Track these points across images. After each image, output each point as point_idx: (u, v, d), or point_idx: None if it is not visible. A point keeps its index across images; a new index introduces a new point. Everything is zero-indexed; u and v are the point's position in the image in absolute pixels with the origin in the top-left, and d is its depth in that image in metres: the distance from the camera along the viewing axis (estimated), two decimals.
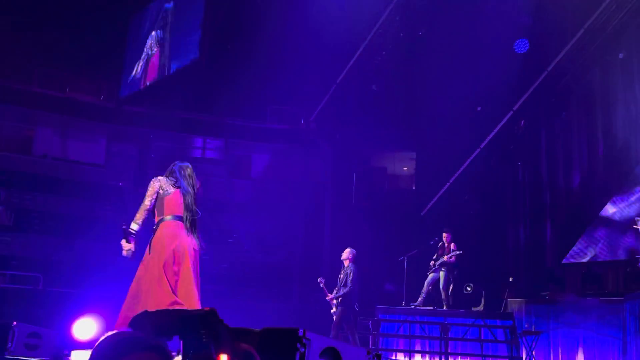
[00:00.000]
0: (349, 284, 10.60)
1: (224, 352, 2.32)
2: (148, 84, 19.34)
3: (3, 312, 12.60)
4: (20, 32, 18.96)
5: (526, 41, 14.25)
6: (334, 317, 10.82)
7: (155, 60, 19.32)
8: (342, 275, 10.86)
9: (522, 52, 14.39)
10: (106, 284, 14.24)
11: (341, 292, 10.65)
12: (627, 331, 9.72)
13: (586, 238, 13.74)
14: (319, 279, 11.26)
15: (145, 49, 19.94)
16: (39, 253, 16.54)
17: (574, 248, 13.76)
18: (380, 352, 12.02)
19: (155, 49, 19.40)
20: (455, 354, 12.12)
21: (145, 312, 2.54)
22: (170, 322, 2.46)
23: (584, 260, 13.51)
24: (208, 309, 2.66)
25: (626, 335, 9.74)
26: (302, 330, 3.98)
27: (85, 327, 11.70)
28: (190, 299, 6.01)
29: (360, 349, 4.35)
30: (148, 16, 20.34)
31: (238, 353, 2.59)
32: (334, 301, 10.84)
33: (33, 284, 15.19)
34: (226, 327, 2.57)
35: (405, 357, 12.48)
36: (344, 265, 10.96)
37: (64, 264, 16.01)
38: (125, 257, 6.42)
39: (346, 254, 10.99)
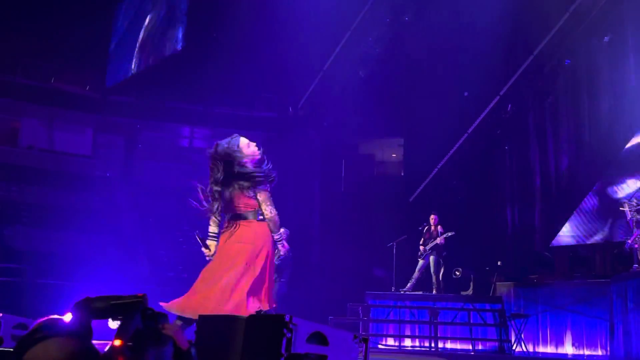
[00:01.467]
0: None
1: (119, 338, 2.35)
2: (134, 73, 19.23)
3: None
4: (4, 23, 18.76)
5: None
6: None
7: (141, 49, 19.20)
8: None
9: None
10: (95, 275, 14.21)
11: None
12: (614, 312, 9.80)
13: (575, 221, 13.81)
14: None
15: (130, 38, 19.81)
16: (26, 245, 16.43)
17: (564, 230, 13.82)
18: (370, 338, 12.10)
19: (141, 38, 19.28)
20: (445, 338, 12.20)
21: (86, 297, 2.59)
22: (103, 306, 2.51)
23: (572, 243, 13.59)
24: (140, 294, 2.68)
25: (613, 316, 9.81)
26: (289, 316, 3.98)
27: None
28: None
29: (347, 333, 4.36)
30: (133, 5, 20.20)
31: (158, 340, 2.61)
32: None
33: (20, 276, 15.10)
34: (149, 314, 2.60)
35: (395, 341, 12.55)
36: None
37: (51, 255, 15.92)
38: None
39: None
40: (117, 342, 2.40)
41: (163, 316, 3.23)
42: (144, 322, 2.52)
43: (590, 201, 13.68)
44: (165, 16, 18.34)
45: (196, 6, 17.21)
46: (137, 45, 19.53)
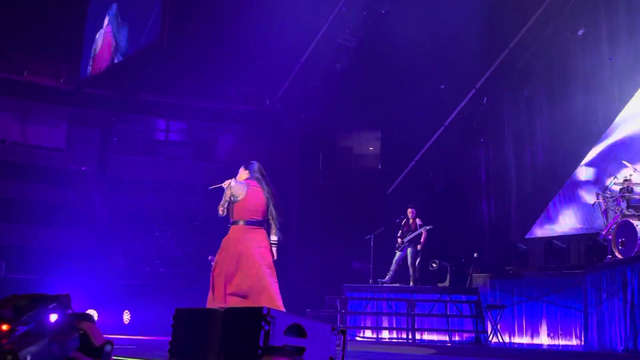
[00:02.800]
0: None
1: (7, 324, 2.62)
2: (109, 65, 19.03)
3: None
4: None
5: None
6: None
7: (115, 42, 19.00)
8: None
9: None
10: (70, 270, 14.08)
11: None
12: (588, 303, 9.93)
13: (549, 212, 13.95)
14: (209, 258, 10.60)
15: (104, 30, 19.59)
16: (0, 240, 16.23)
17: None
18: (347, 330, 12.13)
19: (115, 30, 19.07)
20: (422, 330, 12.29)
21: (13, 294, 2.85)
22: (27, 303, 2.74)
23: (547, 235, 13.72)
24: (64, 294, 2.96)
25: (587, 307, 9.95)
26: (267, 309, 3.97)
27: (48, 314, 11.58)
28: None
29: (325, 325, 4.36)
30: None
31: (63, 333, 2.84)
32: None
33: None
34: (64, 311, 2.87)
35: (373, 333, 12.60)
36: None
37: (26, 250, 15.76)
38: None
39: None
40: (5, 327, 2.57)
41: (84, 315, 3.43)
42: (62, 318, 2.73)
43: (565, 192, 13.80)
44: (140, 6, 18.16)
45: None
46: (111, 37, 19.32)
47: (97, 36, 19.96)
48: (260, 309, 3.94)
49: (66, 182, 18.97)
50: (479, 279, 12.80)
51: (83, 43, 20.50)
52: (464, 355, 9.57)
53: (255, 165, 6.64)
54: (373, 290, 12.86)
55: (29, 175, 18.26)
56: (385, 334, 12.58)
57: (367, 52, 16.28)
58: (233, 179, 6.44)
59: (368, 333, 12.70)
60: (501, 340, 11.63)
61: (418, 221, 12.77)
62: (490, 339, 11.79)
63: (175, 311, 4.56)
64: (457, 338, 12.19)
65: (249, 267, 6.20)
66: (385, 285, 12.86)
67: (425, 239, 12.65)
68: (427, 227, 12.61)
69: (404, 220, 12.95)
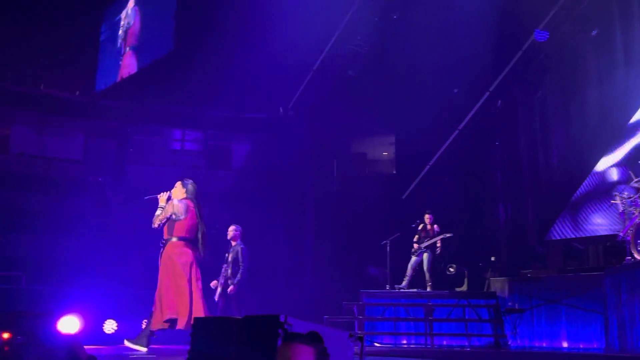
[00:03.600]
0: (242, 262, 10.14)
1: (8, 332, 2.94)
2: (124, 77, 19.18)
3: None
4: None
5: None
6: (219, 300, 10.20)
7: (129, 53, 19.15)
8: (230, 255, 10.34)
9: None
10: (88, 281, 14.17)
11: (240, 272, 10.07)
12: (608, 305, 9.84)
13: (566, 214, 13.86)
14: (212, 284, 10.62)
15: (119, 42, 19.76)
16: (20, 252, 16.39)
17: (555, 224, 13.85)
18: (365, 336, 12.10)
19: (130, 42, 19.22)
20: (441, 335, 12.22)
21: None
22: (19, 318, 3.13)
23: (565, 237, 13.63)
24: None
25: (607, 309, 9.86)
26: (284, 316, 3.99)
27: (68, 324, 11.66)
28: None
29: (342, 332, 4.37)
30: (121, 9, 20.14)
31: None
32: (218, 285, 10.25)
33: (15, 283, 15.05)
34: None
35: (391, 339, 12.57)
36: (231, 245, 10.50)
37: (45, 262, 15.89)
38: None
39: (231, 232, 10.51)
40: (5, 335, 2.77)
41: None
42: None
43: (582, 194, 13.70)
44: (154, 19, 18.30)
45: (184, 8, 17.17)
46: (125, 48, 19.47)
47: (117, 48, 20.13)
48: (277, 316, 3.96)
49: (84, 193, 19.12)
50: (497, 282, 12.72)
51: (98, 56, 20.69)
52: (485, 359, 9.54)
53: (191, 185, 7.45)
54: (390, 296, 12.83)
55: (47, 187, 18.44)
56: (403, 340, 12.55)
57: (379, 58, 16.29)
58: (168, 193, 7.08)
59: (386, 339, 12.66)
60: (521, 344, 11.56)
61: (436, 227, 12.74)
62: (509, 343, 11.72)
63: (194, 320, 4.59)
64: (476, 343, 12.12)
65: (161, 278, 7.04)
66: (402, 290, 12.83)
67: (441, 247, 12.60)
68: (446, 235, 12.56)
69: (421, 226, 12.91)
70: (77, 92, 20.56)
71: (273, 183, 19.42)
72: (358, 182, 19.03)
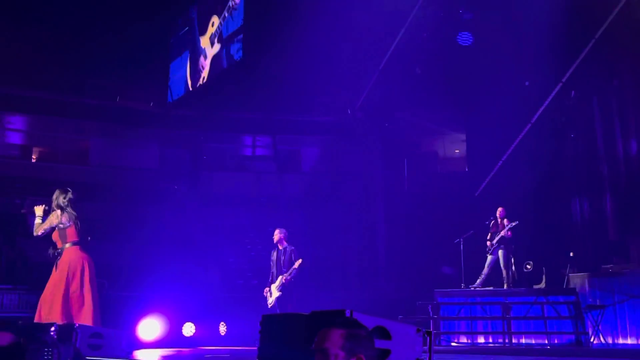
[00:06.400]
0: (299, 257, 10.06)
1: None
2: (195, 86, 19.63)
3: None
4: (69, 46, 19.51)
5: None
6: (272, 303, 10.23)
7: (201, 63, 19.58)
8: (282, 257, 10.27)
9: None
10: (166, 285, 14.56)
11: (294, 273, 10.02)
12: None
13: None
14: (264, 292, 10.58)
15: (188, 52, 20.24)
16: (102, 259, 16.92)
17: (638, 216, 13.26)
18: (441, 336, 11.95)
19: (200, 52, 19.66)
20: (519, 333, 11.92)
21: None
22: None
23: None
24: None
25: None
26: (349, 311, 3.99)
27: (149, 328, 12.04)
28: None
29: (410, 326, 4.34)
30: (190, 20, 20.64)
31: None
32: (274, 289, 10.28)
33: (99, 289, 15.61)
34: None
35: (467, 339, 12.36)
36: (277, 248, 10.45)
37: (126, 268, 16.40)
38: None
39: (277, 235, 10.45)
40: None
41: None
42: None
43: None
44: (223, 29, 18.66)
45: (252, 15, 17.42)
46: (196, 58, 19.92)
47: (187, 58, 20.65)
48: (342, 311, 3.97)
49: (160, 201, 19.68)
50: (576, 278, 12.30)
51: (170, 67, 21.27)
52: (566, 356, 9.26)
53: (67, 194, 7.87)
54: (466, 294, 12.60)
55: (125, 196, 19.08)
56: (480, 339, 12.31)
57: (446, 54, 16.06)
58: (42, 206, 7.81)
59: (463, 338, 12.46)
60: (603, 341, 11.14)
61: (506, 222, 12.44)
62: (592, 340, 11.31)
63: (261, 318, 4.65)
64: (556, 341, 11.76)
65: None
66: (477, 289, 12.59)
67: (512, 237, 12.30)
68: (512, 224, 12.26)
69: (492, 222, 12.66)
70: (151, 103, 21.22)
71: (343, 185, 19.46)
72: (429, 181, 18.83)
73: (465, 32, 14.31)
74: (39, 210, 7.75)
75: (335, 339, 2.64)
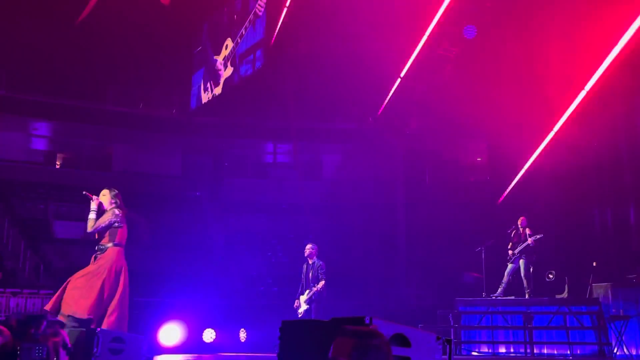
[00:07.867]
0: (324, 277, 10.11)
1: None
2: (217, 94, 19.78)
3: None
4: (93, 53, 19.76)
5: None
6: (301, 314, 10.31)
7: (221, 71, 19.74)
8: (311, 272, 10.35)
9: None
10: (187, 291, 14.64)
11: (320, 288, 10.07)
12: None
13: None
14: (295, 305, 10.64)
15: (211, 61, 20.41)
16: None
17: None
18: (462, 345, 11.86)
19: (221, 60, 19.82)
20: (541, 343, 11.79)
21: None
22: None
23: None
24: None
25: None
26: (369, 318, 3.99)
27: (170, 333, 12.10)
28: None
29: (429, 334, 4.32)
30: (211, 29, 20.83)
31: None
32: (302, 302, 10.34)
33: None
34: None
35: (488, 348, 12.26)
36: (307, 262, 10.49)
37: (147, 274, 16.52)
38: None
39: (308, 250, 10.49)
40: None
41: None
42: None
43: None
44: (244, 38, 18.80)
45: (273, 24, 17.53)
46: (218, 67, 20.08)
47: (209, 67, 20.83)
48: (362, 318, 3.97)
49: (182, 208, 19.81)
50: (599, 288, 12.14)
51: (192, 75, 21.47)
52: None
53: (119, 194, 7.45)
54: (487, 303, 12.50)
55: (148, 202, 19.21)
56: (501, 349, 12.20)
57: (468, 61, 16.00)
58: (97, 200, 7.30)
59: (484, 348, 12.36)
60: (627, 352, 10.99)
61: (528, 231, 12.31)
62: (615, 351, 11.16)
63: (281, 323, 4.66)
64: (578, 351, 11.62)
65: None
66: (499, 298, 12.49)
67: (535, 249, 12.18)
68: (537, 237, 12.14)
69: (514, 231, 12.54)
70: (174, 111, 21.40)
71: (364, 192, 19.43)
72: (451, 189, 18.74)
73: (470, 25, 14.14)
74: (93, 204, 7.26)
75: (345, 349, 2.68)
